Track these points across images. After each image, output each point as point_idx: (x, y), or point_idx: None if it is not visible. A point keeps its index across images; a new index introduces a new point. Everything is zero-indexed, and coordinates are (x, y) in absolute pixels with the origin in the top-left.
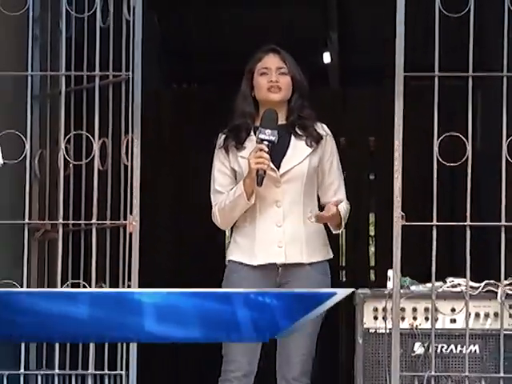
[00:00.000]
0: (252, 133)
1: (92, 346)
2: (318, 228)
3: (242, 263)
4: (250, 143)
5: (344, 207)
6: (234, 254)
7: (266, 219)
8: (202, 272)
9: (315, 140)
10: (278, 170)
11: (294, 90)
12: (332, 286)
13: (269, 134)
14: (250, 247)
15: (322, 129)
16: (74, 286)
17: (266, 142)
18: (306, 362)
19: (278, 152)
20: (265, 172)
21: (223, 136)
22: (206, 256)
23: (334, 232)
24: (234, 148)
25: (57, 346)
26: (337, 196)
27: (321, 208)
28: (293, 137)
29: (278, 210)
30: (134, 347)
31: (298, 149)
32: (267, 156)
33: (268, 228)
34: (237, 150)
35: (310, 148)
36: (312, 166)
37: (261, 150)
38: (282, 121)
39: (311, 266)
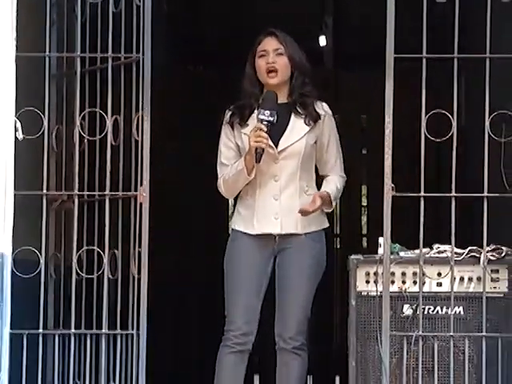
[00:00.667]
0: (255, 112)
1: (105, 307)
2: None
3: (243, 232)
4: (253, 121)
5: (336, 187)
6: (236, 223)
7: (265, 192)
8: (208, 238)
9: (313, 119)
10: (277, 147)
11: (293, 68)
12: (326, 254)
13: (268, 115)
14: (250, 218)
15: (322, 108)
16: (88, 252)
17: (265, 122)
18: (301, 322)
19: (277, 130)
20: (263, 150)
21: (229, 113)
22: (212, 223)
23: (325, 211)
24: (238, 125)
25: (73, 306)
26: (331, 171)
27: (319, 180)
28: (293, 115)
29: (276, 184)
30: (144, 308)
31: (296, 127)
32: (265, 135)
33: (266, 200)
34: (240, 126)
35: (307, 126)
36: (309, 144)
37: (260, 129)
38: (283, 99)
39: (306, 236)
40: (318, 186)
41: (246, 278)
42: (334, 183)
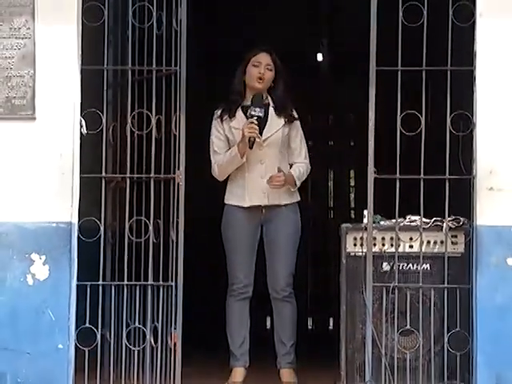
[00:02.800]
0: (240, 109)
1: (150, 264)
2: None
3: (235, 206)
4: (239, 116)
5: (299, 170)
6: (229, 199)
7: (253, 173)
8: None
9: (289, 118)
10: (261, 136)
11: (277, 81)
12: (301, 221)
13: (258, 112)
14: (241, 194)
15: (295, 113)
16: (137, 221)
17: (255, 117)
18: (288, 277)
19: (262, 124)
20: (255, 139)
21: (219, 111)
22: None
23: (292, 190)
24: (228, 119)
25: (125, 263)
26: (298, 158)
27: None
28: (271, 112)
29: (262, 166)
30: (180, 265)
31: (273, 121)
32: (257, 127)
33: (255, 180)
34: (230, 120)
35: (282, 121)
36: (284, 135)
37: (252, 122)
38: (265, 101)
39: (285, 207)
40: None
41: (241, 242)
42: (298, 168)
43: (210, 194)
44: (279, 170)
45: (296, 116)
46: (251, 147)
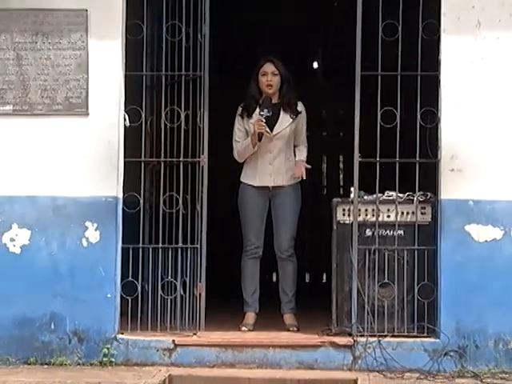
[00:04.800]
0: (257, 108)
1: (180, 230)
2: (293, 165)
3: (248, 184)
4: (255, 113)
5: (304, 157)
6: (244, 179)
7: (263, 160)
8: None
9: (295, 114)
10: (272, 132)
11: (283, 83)
12: (302, 197)
13: (266, 112)
14: (253, 175)
15: (300, 106)
16: (170, 196)
17: (264, 116)
18: (290, 240)
19: (272, 121)
20: (262, 134)
21: (240, 109)
22: None
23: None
24: (246, 117)
25: (160, 229)
26: (301, 143)
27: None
28: (282, 111)
29: (271, 154)
30: (204, 230)
31: (284, 119)
32: (264, 124)
33: (264, 165)
34: (248, 118)
35: (291, 119)
36: (292, 130)
37: (261, 120)
38: (276, 100)
39: (289, 186)
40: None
41: (253, 212)
42: (303, 153)
43: None
44: (302, 166)
45: (299, 110)
46: (260, 140)
